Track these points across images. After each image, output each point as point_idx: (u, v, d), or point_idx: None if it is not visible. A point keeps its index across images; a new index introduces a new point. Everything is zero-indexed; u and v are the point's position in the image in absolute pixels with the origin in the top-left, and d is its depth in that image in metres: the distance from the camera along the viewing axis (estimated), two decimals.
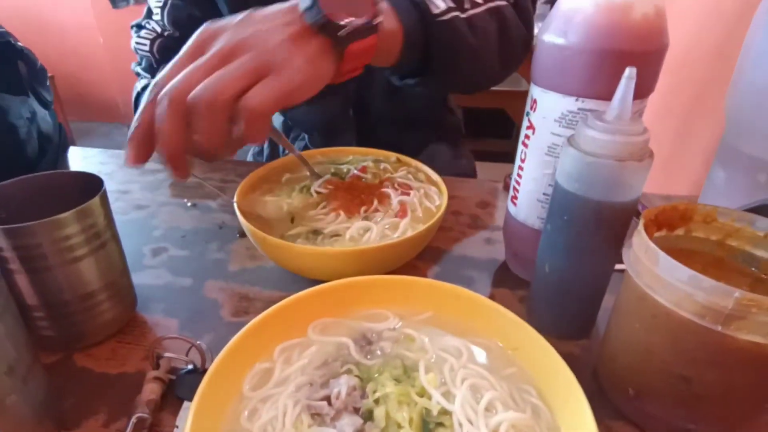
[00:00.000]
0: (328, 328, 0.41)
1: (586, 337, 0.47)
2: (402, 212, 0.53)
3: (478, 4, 0.58)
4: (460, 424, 0.32)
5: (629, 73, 0.35)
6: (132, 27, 0.78)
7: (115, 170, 0.80)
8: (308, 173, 0.60)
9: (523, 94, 0.49)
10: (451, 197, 0.71)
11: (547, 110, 0.44)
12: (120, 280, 0.46)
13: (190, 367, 0.42)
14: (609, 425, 0.39)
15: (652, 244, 0.34)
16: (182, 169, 0.41)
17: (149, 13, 0.77)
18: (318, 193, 0.56)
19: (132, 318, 0.48)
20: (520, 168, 0.50)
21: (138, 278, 0.51)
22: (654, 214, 0.39)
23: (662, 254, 0.33)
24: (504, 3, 0.61)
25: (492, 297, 0.53)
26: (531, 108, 0.47)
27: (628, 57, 0.38)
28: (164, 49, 0.75)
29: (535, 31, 0.64)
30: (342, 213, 0.53)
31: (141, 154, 0.41)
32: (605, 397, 0.41)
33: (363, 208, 0.53)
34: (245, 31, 0.41)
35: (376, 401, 0.33)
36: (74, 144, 0.87)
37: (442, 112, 0.95)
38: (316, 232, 0.50)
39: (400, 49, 0.52)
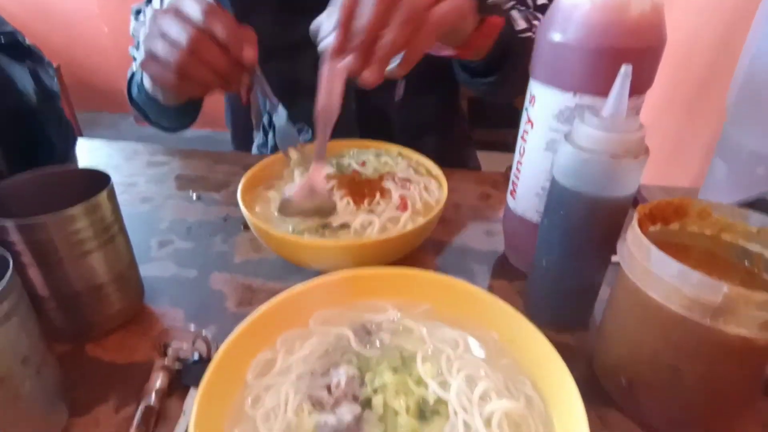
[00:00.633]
0: (329, 319, 0.42)
1: (582, 329, 0.48)
2: (403, 206, 0.54)
3: (534, 28, 0.65)
4: (455, 412, 0.33)
5: (625, 70, 0.36)
6: (132, 11, 0.79)
7: (121, 163, 0.81)
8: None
9: None
10: (452, 190, 0.71)
11: (546, 106, 0.45)
12: (128, 272, 0.47)
13: (196, 356, 0.43)
14: (602, 414, 0.40)
15: (645, 239, 0.34)
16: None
17: None
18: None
19: (140, 309, 0.50)
20: (519, 163, 0.51)
21: (145, 270, 0.52)
22: (648, 209, 0.39)
23: (653, 248, 0.33)
24: None
25: (491, 288, 0.54)
26: (530, 103, 0.47)
27: (625, 54, 0.38)
28: None
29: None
30: (350, 200, 0.54)
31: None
32: (599, 387, 0.42)
33: (367, 200, 0.54)
34: None
35: (375, 390, 0.34)
36: (81, 134, 0.88)
37: (453, 118, 0.95)
38: (325, 225, 0.52)
39: (491, 47, 0.58)
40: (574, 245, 0.43)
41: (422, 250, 0.59)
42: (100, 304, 0.45)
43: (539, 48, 0.45)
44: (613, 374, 0.40)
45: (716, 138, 0.56)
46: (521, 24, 0.63)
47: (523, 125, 0.49)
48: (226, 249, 0.60)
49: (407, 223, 0.52)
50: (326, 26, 0.46)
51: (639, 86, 0.41)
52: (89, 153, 0.85)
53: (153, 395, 0.39)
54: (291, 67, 0.73)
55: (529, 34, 0.63)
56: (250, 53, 0.50)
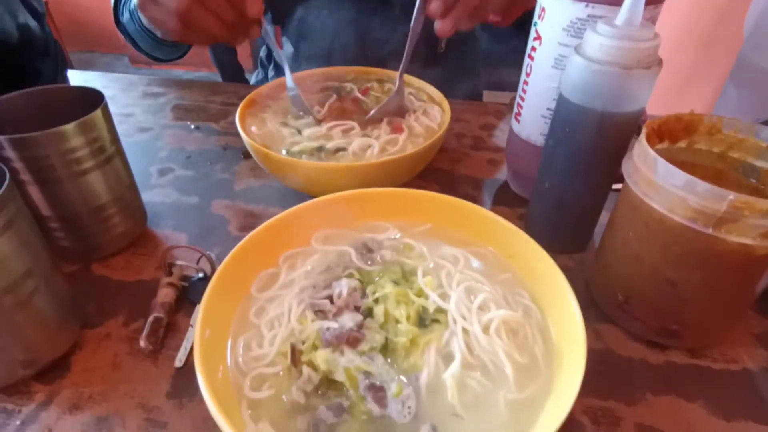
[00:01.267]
0: (331, 238, 0.42)
1: (582, 251, 0.49)
2: (397, 129, 0.53)
3: None
4: (455, 320, 0.34)
5: None
6: None
7: (117, 94, 0.79)
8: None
9: None
10: (455, 120, 0.70)
11: (556, 18, 0.43)
12: (128, 194, 0.47)
13: (200, 275, 0.44)
14: (598, 329, 0.41)
15: (651, 151, 0.34)
16: None
17: None
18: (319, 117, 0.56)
19: (143, 232, 0.50)
20: (525, 83, 0.49)
21: (147, 196, 0.52)
22: (657, 125, 0.38)
23: (660, 160, 0.33)
24: None
25: None
26: (539, 17, 0.45)
27: None
28: None
29: None
30: (341, 122, 0.53)
31: None
32: (595, 306, 0.43)
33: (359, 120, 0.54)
34: None
35: (376, 300, 0.35)
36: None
37: (469, 43, 0.92)
38: (320, 149, 0.51)
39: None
40: (578, 164, 0.42)
41: (424, 179, 0.59)
42: (104, 225, 0.45)
43: None
44: (609, 291, 0.41)
45: (728, 70, 0.54)
46: None
47: (531, 42, 0.47)
48: (227, 177, 0.59)
49: (406, 144, 0.51)
50: None
51: None
52: (83, 84, 0.82)
53: (161, 309, 0.40)
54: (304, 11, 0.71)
55: None
56: (256, 6, 0.48)
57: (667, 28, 0.41)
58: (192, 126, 0.70)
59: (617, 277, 0.40)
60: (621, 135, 0.40)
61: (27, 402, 0.35)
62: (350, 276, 0.38)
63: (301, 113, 0.57)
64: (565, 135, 0.41)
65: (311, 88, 0.63)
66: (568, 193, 0.44)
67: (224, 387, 0.30)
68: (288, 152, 0.51)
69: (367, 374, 0.31)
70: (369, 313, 0.35)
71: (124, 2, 0.68)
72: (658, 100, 0.42)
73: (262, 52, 1.01)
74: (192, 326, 0.41)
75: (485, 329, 0.33)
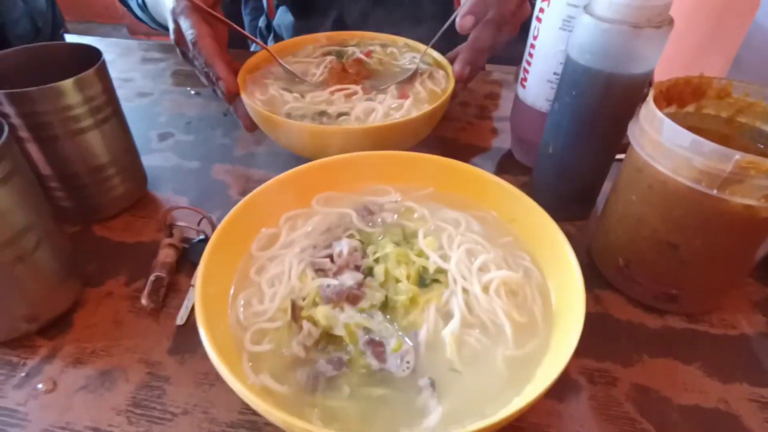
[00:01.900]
0: (331, 201, 0.42)
1: (584, 219, 0.49)
2: (403, 94, 0.52)
3: None
4: (455, 280, 0.34)
5: None
6: None
7: (116, 59, 0.78)
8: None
9: None
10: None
11: None
12: (127, 156, 0.47)
13: (201, 236, 0.44)
14: (598, 294, 0.41)
15: (658, 112, 0.33)
16: None
17: None
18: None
19: (144, 195, 0.50)
20: (532, 47, 0.48)
21: (147, 160, 0.52)
22: (666, 87, 0.37)
23: (667, 121, 0.32)
24: None
25: None
26: None
27: None
28: None
29: None
30: (344, 86, 0.53)
31: None
32: (596, 272, 0.43)
33: (362, 84, 0.53)
34: None
35: (376, 260, 0.35)
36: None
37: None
38: (322, 113, 0.50)
39: None
40: (584, 129, 0.42)
41: (427, 147, 0.57)
42: (103, 186, 0.45)
43: None
44: (610, 256, 0.41)
45: (741, 37, 0.52)
46: None
47: (539, 4, 0.45)
48: (228, 142, 0.59)
49: (411, 109, 0.50)
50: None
51: None
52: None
53: (162, 268, 0.40)
54: None
55: None
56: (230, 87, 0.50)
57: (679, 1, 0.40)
58: (192, 92, 0.69)
59: (619, 241, 0.40)
60: (628, 98, 0.39)
61: (31, 355, 0.36)
62: (351, 237, 0.37)
63: (307, 79, 0.56)
64: (571, 98, 0.41)
65: (313, 52, 0.61)
66: (572, 159, 0.44)
67: (225, 341, 0.30)
68: (290, 116, 0.50)
69: (367, 330, 0.31)
70: (369, 273, 0.35)
71: None
72: (668, 70, 0.41)
73: (262, 22, 0.99)
74: (193, 286, 0.41)
75: (485, 289, 0.33)
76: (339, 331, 0.31)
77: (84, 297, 0.40)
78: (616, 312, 0.40)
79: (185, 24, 0.50)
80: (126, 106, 0.47)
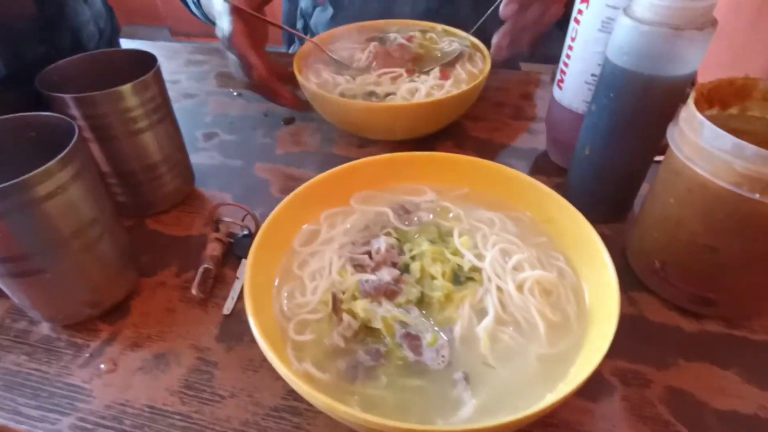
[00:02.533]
0: (369, 199, 0.43)
1: (620, 221, 0.48)
2: (444, 75, 0.57)
3: None
4: (489, 279, 0.35)
5: None
6: None
7: (162, 62, 0.80)
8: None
9: None
10: (495, 89, 0.70)
11: None
12: (178, 154, 0.50)
13: (245, 232, 0.47)
14: (632, 296, 0.41)
15: (698, 114, 0.33)
16: None
17: None
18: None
19: (191, 191, 0.53)
20: (570, 48, 0.48)
21: (194, 158, 0.55)
22: (707, 89, 0.37)
23: (707, 123, 0.32)
24: None
25: None
26: None
27: None
28: None
29: None
30: (390, 69, 0.59)
31: None
32: (630, 274, 0.43)
33: (407, 67, 0.59)
34: None
35: (413, 257, 0.36)
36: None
37: None
38: (371, 94, 0.56)
39: None
40: (621, 131, 0.41)
41: (461, 148, 0.59)
42: (156, 182, 0.48)
43: None
44: (646, 257, 0.41)
45: None
46: None
47: (578, 5, 0.45)
48: (268, 141, 0.61)
49: (451, 89, 0.55)
50: None
51: None
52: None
53: (210, 261, 0.43)
54: None
55: None
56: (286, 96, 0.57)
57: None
58: (234, 93, 0.72)
59: (655, 243, 0.40)
60: (668, 101, 0.39)
61: (94, 338, 0.39)
62: (388, 234, 0.39)
63: (353, 65, 0.62)
64: (609, 100, 0.41)
65: (357, 39, 0.66)
66: (609, 161, 0.44)
67: (271, 330, 0.32)
68: (343, 96, 0.55)
69: (403, 324, 0.32)
70: (405, 269, 0.36)
71: None
72: (710, 70, 0.41)
73: (299, 24, 1.01)
74: (238, 278, 0.43)
75: (519, 288, 0.34)
76: (377, 324, 0.32)
77: (139, 286, 0.43)
78: (651, 314, 0.40)
79: (223, 22, 0.55)
80: (174, 107, 0.49)
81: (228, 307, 0.41)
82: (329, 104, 0.55)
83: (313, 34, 0.98)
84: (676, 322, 0.39)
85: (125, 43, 0.86)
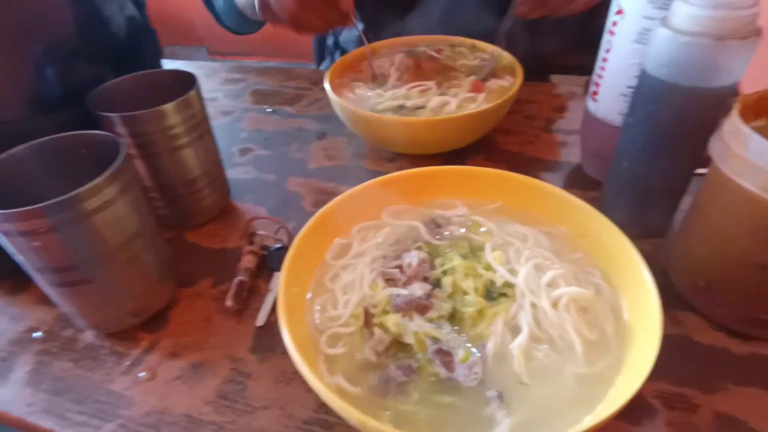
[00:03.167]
0: (400, 214, 0.44)
1: (660, 236, 0.47)
2: (476, 88, 0.57)
3: None
4: (523, 295, 0.34)
5: None
6: None
7: (201, 80, 0.83)
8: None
9: None
10: (526, 101, 0.69)
11: None
12: (215, 169, 0.52)
13: (279, 245, 0.48)
14: (675, 315, 0.40)
15: (744, 125, 0.32)
16: None
17: None
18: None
19: (227, 205, 0.55)
20: (604, 60, 0.47)
21: (230, 173, 0.57)
22: (753, 99, 0.36)
23: (755, 135, 0.31)
24: None
25: None
26: None
27: None
28: None
29: None
30: (419, 83, 0.59)
31: None
32: (672, 292, 0.41)
33: (436, 80, 0.60)
34: None
35: (444, 272, 0.36)
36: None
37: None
38: (401, 107, 0.57)
39: None
40: (660, 144, 0.40)
41: (493, 161, 0.58)
42: (195, 196, 0.50)
43: None
44: (690, 276, 0.39)
45: None
46: None
47: (612, 17, 0.45)
48: (301, 156, 0.63)
49: (483, 103, 0.55)
50: None
51: None
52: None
53: (244, 273, 0.44)
54: None
55: None
56: (347, 1, 0.59)
57: None
58: (269, 109, 0.74)
59: (700, 262, 0.38)
60: (710, 112, 0.38)
61: (134, 347, 0.40)
62: (419, 249, 0.39)
63: (387, 78, 0.63)
64: (647, 113, 0.40)
65: (387, 54, 0.68)
66: (648, 174, 0.43)
67: (303, 341, 0.33)
68: (373, 111, 0.56)
69: (435, 339, 0.32)
70: (437, 284, 0.36)
71: None
72: (753, 79, 0.39)
73: (330, 41, 1.04)
74: (271, 290, 0.44)
75: (554, 305, 0.33)
76: (408, 339, 0.32)
77: (178, 296, 0.45)
78: (696, 335, 0.38)
79: None
80: (212, 124, 0.51)
81: (261, 318, 0.42)
82: (361, 120, 0.56)
83: (343, 51, 1.00)
84: (724, 343, 0.37)
85: (167, 64, 0.91)
